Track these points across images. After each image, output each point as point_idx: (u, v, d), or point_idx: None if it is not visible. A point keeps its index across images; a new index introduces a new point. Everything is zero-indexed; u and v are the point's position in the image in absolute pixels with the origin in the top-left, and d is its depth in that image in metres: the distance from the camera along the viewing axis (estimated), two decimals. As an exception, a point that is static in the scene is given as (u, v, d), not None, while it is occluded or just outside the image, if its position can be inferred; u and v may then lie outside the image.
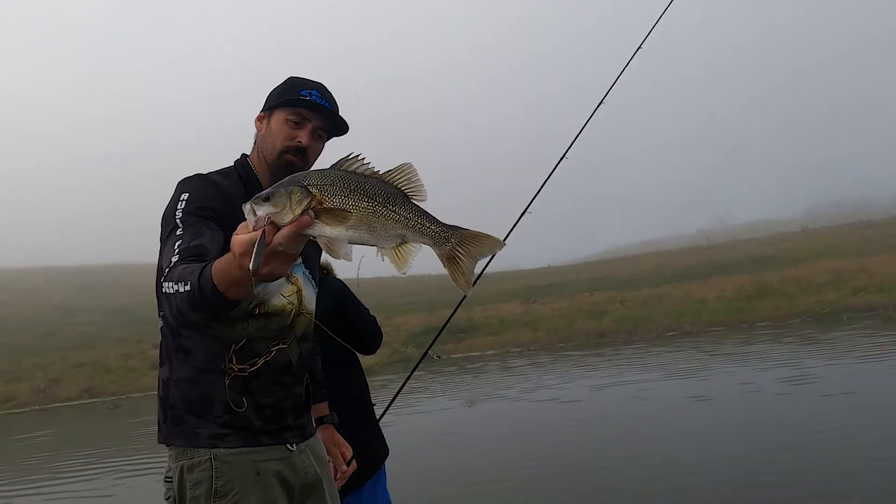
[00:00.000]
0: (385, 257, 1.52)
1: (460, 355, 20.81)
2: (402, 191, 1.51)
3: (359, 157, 1.50)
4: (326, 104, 1.99)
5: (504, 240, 1.88)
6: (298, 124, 1.97)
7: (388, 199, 1.48)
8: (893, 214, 49.89)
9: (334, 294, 3.21)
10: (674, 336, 19.28)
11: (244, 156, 2.05)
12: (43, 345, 31.74)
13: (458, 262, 1.52)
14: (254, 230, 1.38)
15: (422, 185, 1.52)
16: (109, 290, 57.03)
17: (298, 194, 1.40)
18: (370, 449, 3.17)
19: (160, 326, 2.00)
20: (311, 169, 1.64)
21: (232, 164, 2.05)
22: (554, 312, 26.11)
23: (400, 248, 1.51)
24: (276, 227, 1.39)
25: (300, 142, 1.96)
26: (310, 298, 2.06)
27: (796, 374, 10.53)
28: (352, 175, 1.48)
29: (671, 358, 14.76)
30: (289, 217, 1.39)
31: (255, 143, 2.05)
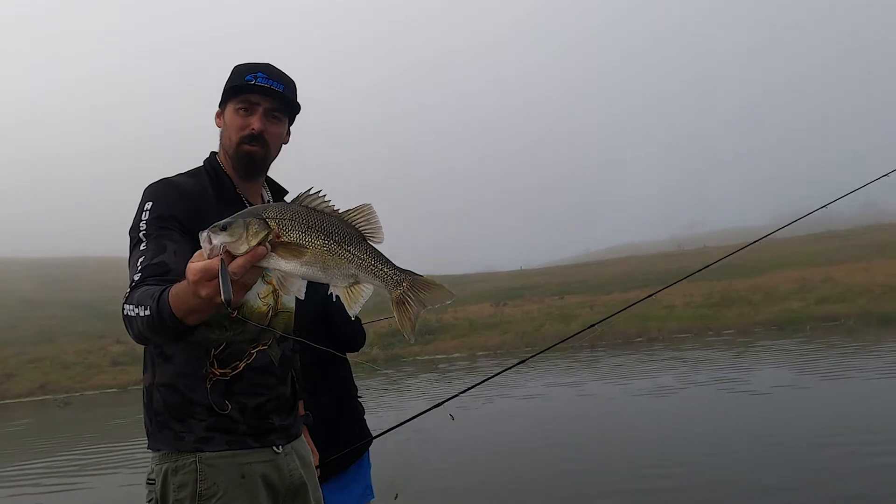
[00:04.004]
0: (336, 295, 1.54)
1: (426, 357, 20.68)
2: (360, 231, 1.54)
3: (319, 194, 1.53)
4: (274, 83, 1.93)
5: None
6: (248, 111, 1.93)
7: (344, 239, 1.51)
8: (858, 225, 50.88)
9: (320, 295, 3.22)
10: (641, 342, 19.35)
11: (213, 154, 2.02)
12: (1, 338, 30.88)
13: (407, 308, 1.55)
14: (208, 258, 1.40)
15: (380, 227, 1.55)
16: (74, 283, 55.88)
17: (255, 226, 1.43)
18: (353, 437, 3.32)
19: None
20: (271, 203, 1.65)
21: (202, 163, 2.02)
22: (523, 315, 26.12)
23: (352, 289, 1.54)
24: (232, 257, 1.41)
25: (253, 129, 1.92)
26: (287, 296, 2.00)
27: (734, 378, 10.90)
28: (311, 211, 1.50)
29: (629, 360, 14.79)
30: (244, 248, 1.41)
31: (220, 140, 2.02)
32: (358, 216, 1.55)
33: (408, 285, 1.55)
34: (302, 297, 1.55)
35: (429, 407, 3.44)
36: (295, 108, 2.02)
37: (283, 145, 2.04)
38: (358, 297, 1.55)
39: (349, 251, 1.52)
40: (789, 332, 17.45)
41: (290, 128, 2.06)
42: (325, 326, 3.26)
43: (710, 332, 19.51)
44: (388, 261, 1.56)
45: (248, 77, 1.92)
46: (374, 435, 3.41)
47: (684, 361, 14.12)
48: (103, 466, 9.88)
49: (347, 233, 1.53)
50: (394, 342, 22.38)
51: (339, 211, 1.55)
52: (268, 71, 1.94)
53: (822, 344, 14.60)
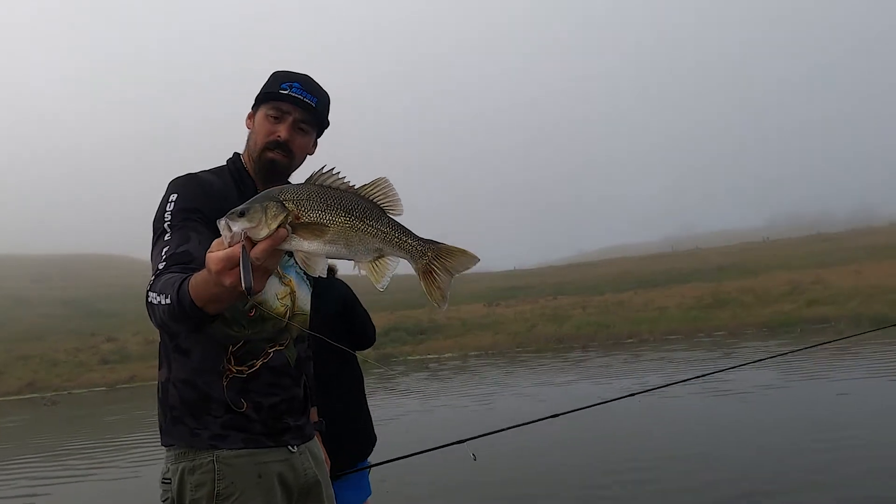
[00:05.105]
0: (362, 271, 1.52)
1: (418, 357, 20.69)
2: (379, 205, 1.52)
3: (333, 171, 1.51)
4: (308, 96, 1.96)
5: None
6: (278, 119, 1.94)
7: (365, 214, 1.50)
8: (850, 229, 51.24)
9: (341, 295, 3.50)
10: (631, 343, 19.40)
11: (237, 154, 2.03)
12: (-9, 335, 30.73)
13: (434, 277, 1.54)
14: (229, 246, 1.39)
15: (398, 199, 1.53)
16: (67, 281, 55.76)
17: (274, 209, 1.41)
18: (363, 433, 3.45)
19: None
20: (287, 184, 1.62)
21: (224, 162, 2.02)
22: (516, 316, 26.18)
23: (377, 262, 1.52)
24: (252, 243, 1.40)
25: (279, 136, 1.93)
26: (304, 299, 2.03)
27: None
28: (328, 189, 1.49)
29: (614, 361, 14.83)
30: (264, 232, 1.40)
31: (246, 141, 2.03)
32: (375, 190, 1.53)
33: (432, 254, 1.54)
34: (325, 275, 1.57)
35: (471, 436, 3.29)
36: (324, 123, 2.05)
37: (309, 156, 2.05)
38: (384, 270, 1.53)
39: (371, 225, 1.50)
40: (780, 334, 17.52)
41: (318, 140, 2.07)
42: (344, 323, 3.46)
43: (701, 334, 19.58)
44: (410, 232, 1.54)
45: (283, 86, 1.95)
46: (393, 458, 3.46)
47: (671, 362, 14.17)
48: (101, 461, 9.85)
49: (367, 207, 1.51)
50: (385, 342, 22.39)
51: (356, 186, 1.53)
52: (304, 83, 1.97)
53: (805, 346, 14.67)
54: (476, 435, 3.23)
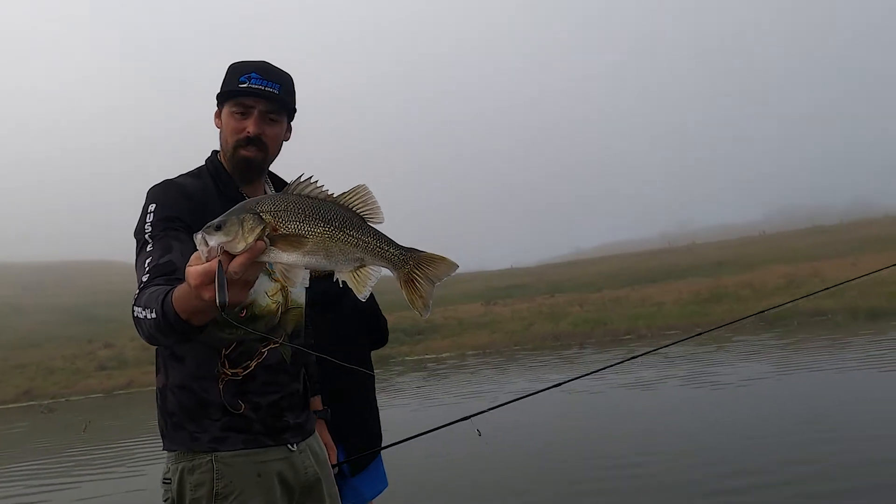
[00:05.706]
0: (343, 281, 1.51)
1: (415, 357, 20.65)
2: (359, 214, 1.50)
3: (311, 180, 1.48)
4: (269, 84, 1.90)
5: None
6: (244, 115, 1.90)
7: (344, 223, 1.47)
8: (846, 221, 51.39)
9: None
10: (629, 339, 19.41)
11: (214, 153, 2.00)
12: (-13, 343, 30.63)
13: (416, 285, 1.53)
14: (206, 261, 1.36)
15: (378, 207, 1.51)
16: (64, 287, 55.64)
17: (251, 222, 1.38)
18: (368, 432, 3.53)
19: None
20: (264, 195, 1.61)
21: (203, 162, 2.01)
22: (513, 314, 26.19)
23: (358, 272, 1.51)
24: (231, 256, 1.37)
25: (248, 133, 1.90)
26: (298, 292, 2.00)
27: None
28: (306, 199, 1.46)
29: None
30: (241, 245, 1.37)
31: (219, 141, 2.00)
32: (354, 198, 1.50)
33: (413, 263, 1.52)
34: (307, 286, 1.57)
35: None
36: (292, 107, 1.99)
37: (285, 142, 2.01)
38: (365, 279, 1.52)
39: (351, 235, 1.48)
40: (776, 327, 17.55)
41: (292, 123, 2.03)
42: (363, 321, 3.59)
43: (698, 329, 19.56)
44: (391, 241, 1.53)
45: (241, 79, 1.89)
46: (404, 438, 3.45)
47: (666, 357, 14.18)
48: (101, 463, 9.85)
49: (346, 217, 1.48)
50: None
51: (335, 195, 1.50)
52: (262, 71, 1.91)
53: (796, 338, 14.73)
54: (481, 410, 3.27)
